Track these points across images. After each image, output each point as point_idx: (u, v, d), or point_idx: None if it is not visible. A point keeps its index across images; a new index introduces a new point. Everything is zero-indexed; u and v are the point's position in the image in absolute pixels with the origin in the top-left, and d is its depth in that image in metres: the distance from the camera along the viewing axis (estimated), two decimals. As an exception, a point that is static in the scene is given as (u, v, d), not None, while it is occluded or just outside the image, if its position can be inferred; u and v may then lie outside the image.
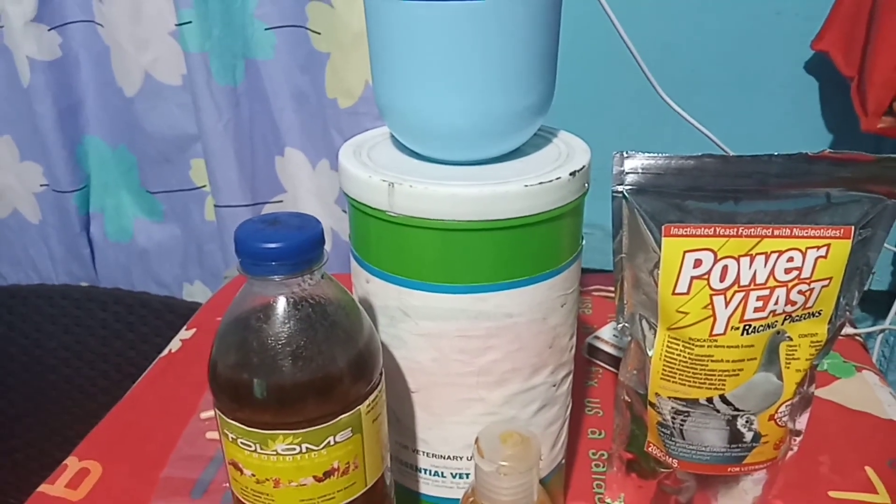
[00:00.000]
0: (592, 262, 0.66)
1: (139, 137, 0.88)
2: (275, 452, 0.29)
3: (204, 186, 0.88)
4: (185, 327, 0.72)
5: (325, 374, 0.29)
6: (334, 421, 0.29)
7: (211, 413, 0.59)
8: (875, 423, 0.59)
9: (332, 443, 0.29)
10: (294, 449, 0.29)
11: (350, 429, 0.30)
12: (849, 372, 0.65)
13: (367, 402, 0.30)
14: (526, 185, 0.33)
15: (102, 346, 0.94)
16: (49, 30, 0.83)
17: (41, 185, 0.92)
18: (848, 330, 0.71)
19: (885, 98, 0.62)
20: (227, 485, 0.50)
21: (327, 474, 0.30)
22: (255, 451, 0.29)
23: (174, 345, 0.70)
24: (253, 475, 0.30)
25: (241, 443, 0.29)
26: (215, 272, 0.93)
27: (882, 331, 0.77)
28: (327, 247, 0.31)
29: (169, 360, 0.68)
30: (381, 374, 0.32)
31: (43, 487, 0.52)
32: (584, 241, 0.40)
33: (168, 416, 0.59)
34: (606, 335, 0.65)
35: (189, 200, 0.90)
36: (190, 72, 0.79)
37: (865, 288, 0.81)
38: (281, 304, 0.28)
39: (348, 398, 0.30)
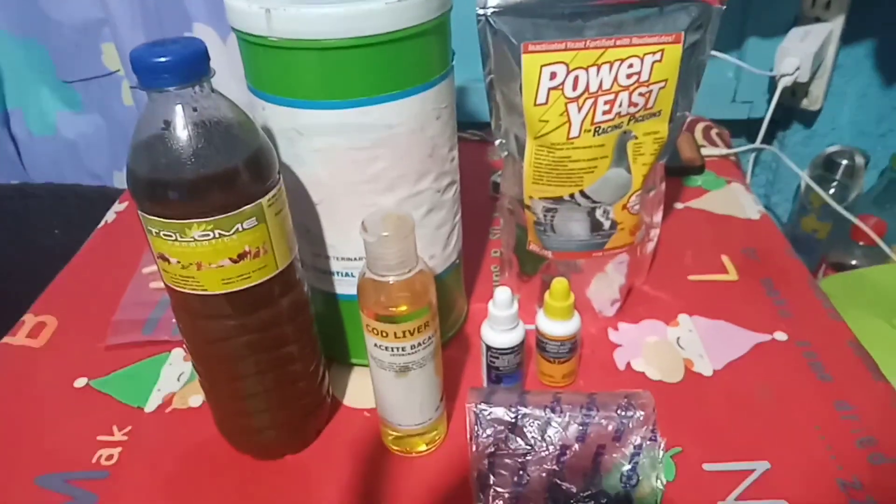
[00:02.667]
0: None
1: (46, 26, 0.87)
2: (192, 239, 0.35)
3: (118, 71, 0.89)
4: (117, 201, 0.77)
5: (223, 170, 0.34)
6: (239, 210, 0.35)
7: (153, 268, 0.65)
8: (736, 222, 0.69)
9: (240, 229, 0.36)
10: (208, 235, 0.35)
11: (255, 218, 0.36)
12: (719, 185, 0.75)
13: (267, 196, 0.37)
14: (387, 3, 0.38)
15: (42, 238, 0.97)
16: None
17: (-49, 85, 0.92)
18: (723, 150, 0.80)
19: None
20: (175, 320, 0.58)
21: (241, 256, 0.36)
22: (175, 239, 0.35)
23: (110, 216, 0.74)
24: (178, 262, 0.36)
25: (164, 234, 0.35)
26: (144, 157, 0.96)
27: (754, 150, 0.86)
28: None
29: (106, 229, 0.72)
30: (278, 175, 0.38)
31: (6, 339, 0.57)
32: (454, 62, 0.45)
33: (112, 273, 0.64)
34: (508, 172, 0.72)
35: (106, 87, 0.91)
36: (86, -49, 0.78)
37: (746, 117, 0.89)
38: (178, 113, 0.33)
39: (249, 191, 0.35)
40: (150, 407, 0.51)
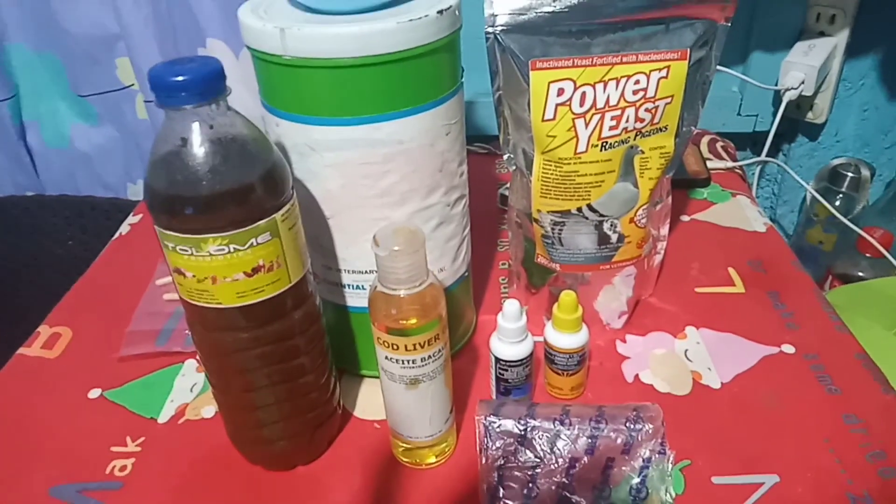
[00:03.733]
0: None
1: (62, 40, 0.89)
2: (208, 254, 0.36)
3: (132, 85, 0.91)
4: (132, 213, 0.78)
5: (239, 186, 0.35)
6: (254, 225, 0.36)
7: (166, 279, 0.66)
8: (742, 234, 0.69)
9: (255, 243, 0.36)
10: (223, 249, 0.36)
11: (269, 232, 0.37)
12: (725, 198, 0.75)
13: (280, 211, 0.37)
14: (398, 22, 0.39)
15: (56, 248, 0.99)
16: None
17: (-32, 98, 0.93)
18: (728, 163, 0.81)
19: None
20: (188, 332, 0.58)
21: (255, 270, 0.37)
22: (191, 254, 0.36)
23: (124, 229, 0.75)
24: (194, 276, 0.37)
25: (180, 249, 0.36)
26: (156, 170, 0.97)
27: (759, 163, 0.86)
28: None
29: (120, 241, 0.74)
30: (292, 190, 0.39)
31: (21, 350, 0.58)
32: (463, 78, 0.46)
33: (126, 285, 0.65)
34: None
35: (120, 100, 0.92)
36: (103, -34, 0.79)
37: (751, 130, 0.89)
38: (196, 130, 0.34)
39: (263, 207, 0.36)
40: (163, 418, 0.51)
